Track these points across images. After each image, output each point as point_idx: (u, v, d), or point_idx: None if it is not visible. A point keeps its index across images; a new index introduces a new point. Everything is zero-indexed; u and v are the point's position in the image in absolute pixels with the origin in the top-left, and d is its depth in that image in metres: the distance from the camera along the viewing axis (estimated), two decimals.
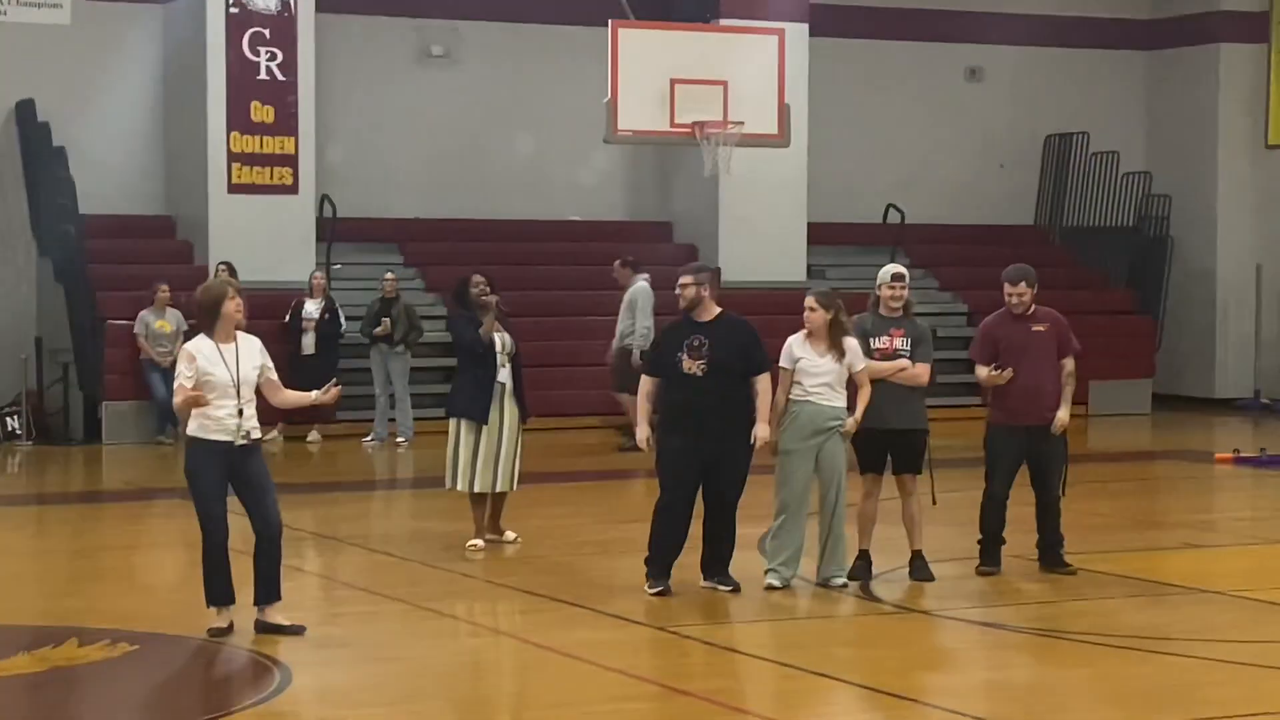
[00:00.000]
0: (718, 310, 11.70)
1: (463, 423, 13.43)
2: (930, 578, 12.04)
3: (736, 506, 11.68)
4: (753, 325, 11.84)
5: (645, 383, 11.71)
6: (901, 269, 12.30)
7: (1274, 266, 26.19)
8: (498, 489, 13.46)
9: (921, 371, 11.96)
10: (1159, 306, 26.38)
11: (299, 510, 15.97)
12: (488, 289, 13.57)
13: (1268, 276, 26.24)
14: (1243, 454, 19.48)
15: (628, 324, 20.11)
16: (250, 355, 10.41)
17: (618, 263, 20.75)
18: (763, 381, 11.61)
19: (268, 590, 10.45)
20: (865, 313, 12.13)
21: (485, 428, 13.37)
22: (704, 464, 11.50)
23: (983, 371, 12.22)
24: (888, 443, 11.99)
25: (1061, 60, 27.09)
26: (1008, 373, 12.10)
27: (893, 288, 12.05)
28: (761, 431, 11.54)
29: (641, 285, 20.28)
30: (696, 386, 11.50)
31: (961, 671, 10.20)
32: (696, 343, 11.55)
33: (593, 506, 16.32)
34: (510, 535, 13.76)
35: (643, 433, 11.64)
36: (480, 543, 13.41)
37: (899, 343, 11.98)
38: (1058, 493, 12.38)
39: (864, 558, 12.09)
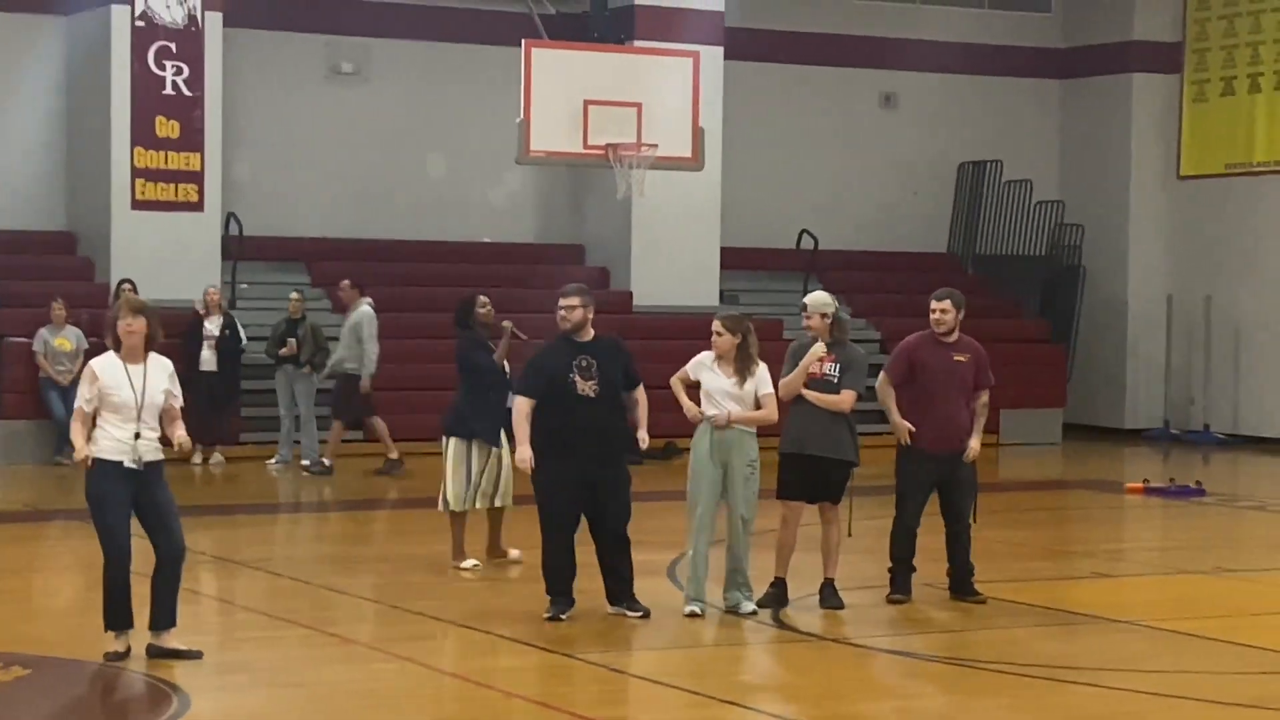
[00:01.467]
0: (593, 331, 11.61)
1: (474, 444, 13.25)
2: (840, 605, 11.92)
3: (627, 529, 11.54)
4: (623, 340, 11.91)
5: (524, 404, 11.41)
6: (814, 298, 12.10)
7: (1185, 297, 26.32)
8: (497, 504, 13.40)
9: (842, 399, 11.81)
10: (1070, 336, 26.45)
11: (199, 533, 15.64)
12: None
13: (1178, 307, 26.36)
14: (1152, 484, 19.53)
15: (349, 349, 19.91)
16: (159, 378, 10.13)
17: (345, 283, 20.64)
18: (640, 392, 11.65)
19: (165, 615, 10.20)
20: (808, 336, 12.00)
21: (493, 450, 13.24)
22: (588, 489, 11.35)
23: (902, 427, 12.06)
24: (809, 469, 11.84)
25: (976, 88, 27.16)
26: (906, 431, 11.98)
27: (807, 318, 11.93)
28: (644, 436, 11.57)
29: (366, 310, 20.23)
30: (591, 408, 11.36)
31: (873, 700, 10.08)
32: (585, 363, 11.42)
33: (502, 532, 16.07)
34: (514, 553, 13.59)
35: (526, 454, 11.37)
36: (474, 562, 13.30)
37: (828, 368, 11.84)
38: (969, 520, 12.30)
39: (779, 585, 11.94)
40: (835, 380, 11.81)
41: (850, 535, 12.02)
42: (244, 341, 20.98)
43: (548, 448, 11.36)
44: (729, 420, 11.51)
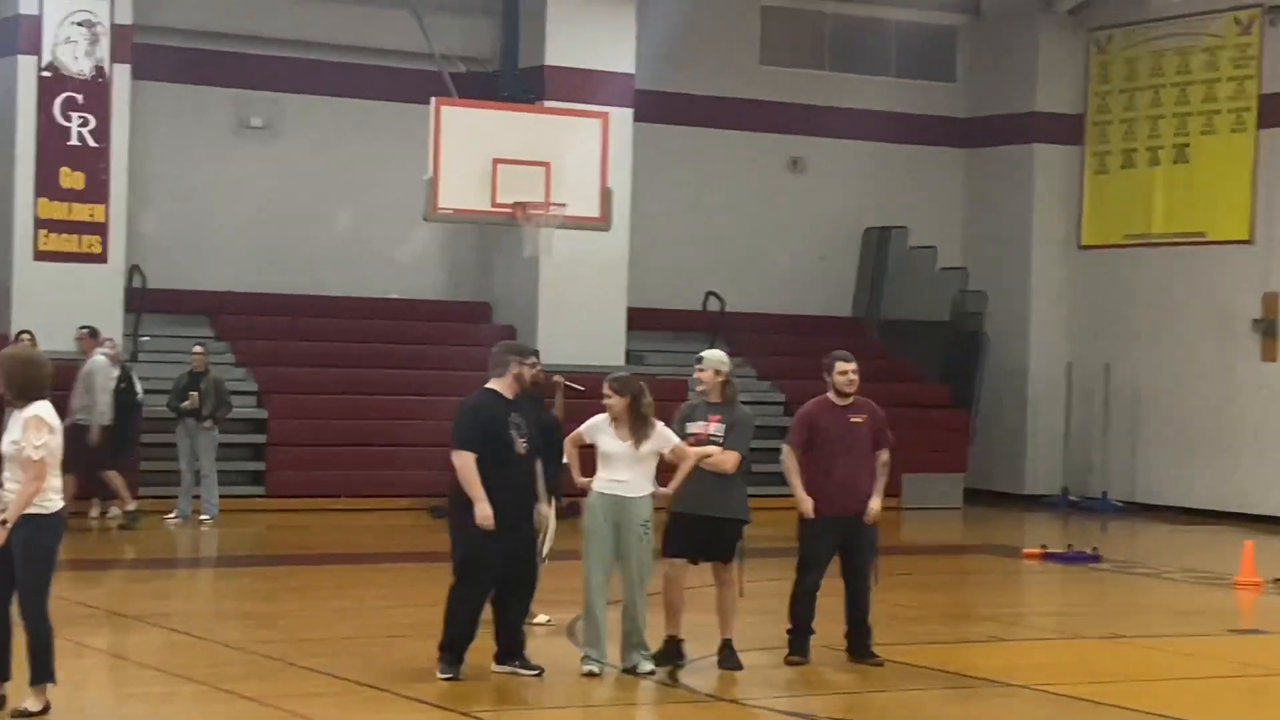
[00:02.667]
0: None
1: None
2: (738, 666, 11.92)
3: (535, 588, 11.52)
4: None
5: (471, 459, 11.27)
6: (711, 353, 12.14)
7: (1084, 365, 26.61)
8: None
9: (725, 459, 11.79)
10: (972, 401, 26.67)
11: (93, 588, 15.56)
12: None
13: (1078, 375, 26.64)
14: (1050, 550, 19.67)
15: (85, 400, 19.78)
16: (13, 429, 9.87)
17: (84, 331, 20.47)
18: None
19: (33, 669, 9.80)
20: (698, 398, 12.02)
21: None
22: (510, 549, 11.30)
23: (805, 503, 12.09)
24: (697, 529, 11.85)
25: (883, 154, 27.41)
26: (810, 506, 12.03)
27: (701, 370, 11.95)
28: (544, 508, 11.62)
29: (100, 359, 20.07)
30: (523, 468, 11.38)
31: None
32: (518, 421, 11.41)
33: (401, 588, 16.02)
34: (542, 618, 13.16)
35: (488, 510, 11.13)
36: (544, 618, 13.15)
37: (714, 428, 11.87)
38: (869, 582, 12.34)
39: (672, 644, 11.92)
40: (721, 440, 11.83)
41: (742, 595, 12.01)
42: (140, 395, 20.80)
43: (492, 507, 11.22)
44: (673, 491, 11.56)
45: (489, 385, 11.50)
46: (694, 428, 11.85)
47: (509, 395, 11.47)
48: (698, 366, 12.00)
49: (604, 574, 11.58)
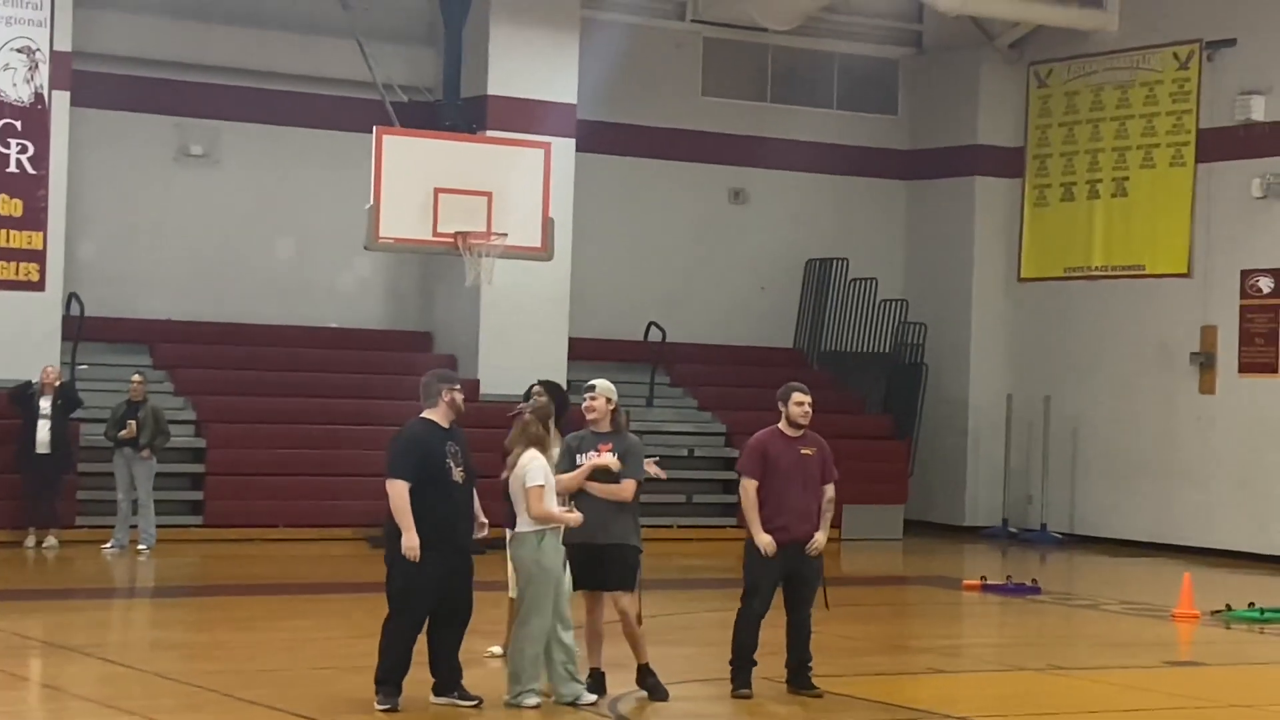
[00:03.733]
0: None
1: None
2: (664, 694, 11.88)
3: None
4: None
5: (405, 489, 11.22)
6: (602, 382, 12.06)
7: (1024, 397, 26.73)
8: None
9: (624, 488, 11.76)
10: (912, 433, 26.75)
11: (28, 618, 15.41)
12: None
13: (1018, 407, 26.76)
14: (989, 581, 19.72)
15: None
16: None
17: None
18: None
19: None
20: (582, 430, 11.97)
21: None
22: (446, 579, 11.25)
23: (763, 538, 12.04)
24: (597, 559, 11.76)
25: (824, 186, 27.52)
26: (768, 542, 12.02)
27: (592, 398, 11.93)
28: (481, 532, 11.48)
29: None
30: (460, 496, 11.32)
31: None
32: (454, 449, 11.36)
33: (340, 619, 15.92)
34: (495, 649, 13.04)
35: (416, 541, 11.08)
36: (497, 649, 12.96)
37: (605, 457, 11.83)
38: (809, 612, 12.32)
39: (594, 676, 11.87)
40: (614, 470, 11.81)
41: (641, 624, 11.94)
42: (81, 403, 20.70)
43: (428, 535, 11.13)
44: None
45: (423, 415, 11.47)
46: (584, 458, 11.80)
47: (444, 423, 11.43)
48: (589, 395, 11.94)
49: (558, 604, 11.50)
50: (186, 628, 15.90)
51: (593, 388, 11.95)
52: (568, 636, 11.53)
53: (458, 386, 11.52)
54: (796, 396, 12.25)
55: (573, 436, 11.94)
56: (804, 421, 12.24)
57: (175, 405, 22.27)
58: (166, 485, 21.33)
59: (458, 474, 11.30)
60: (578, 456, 11.80)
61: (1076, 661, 14.95)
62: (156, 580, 19.14)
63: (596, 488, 11.74)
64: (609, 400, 11.89)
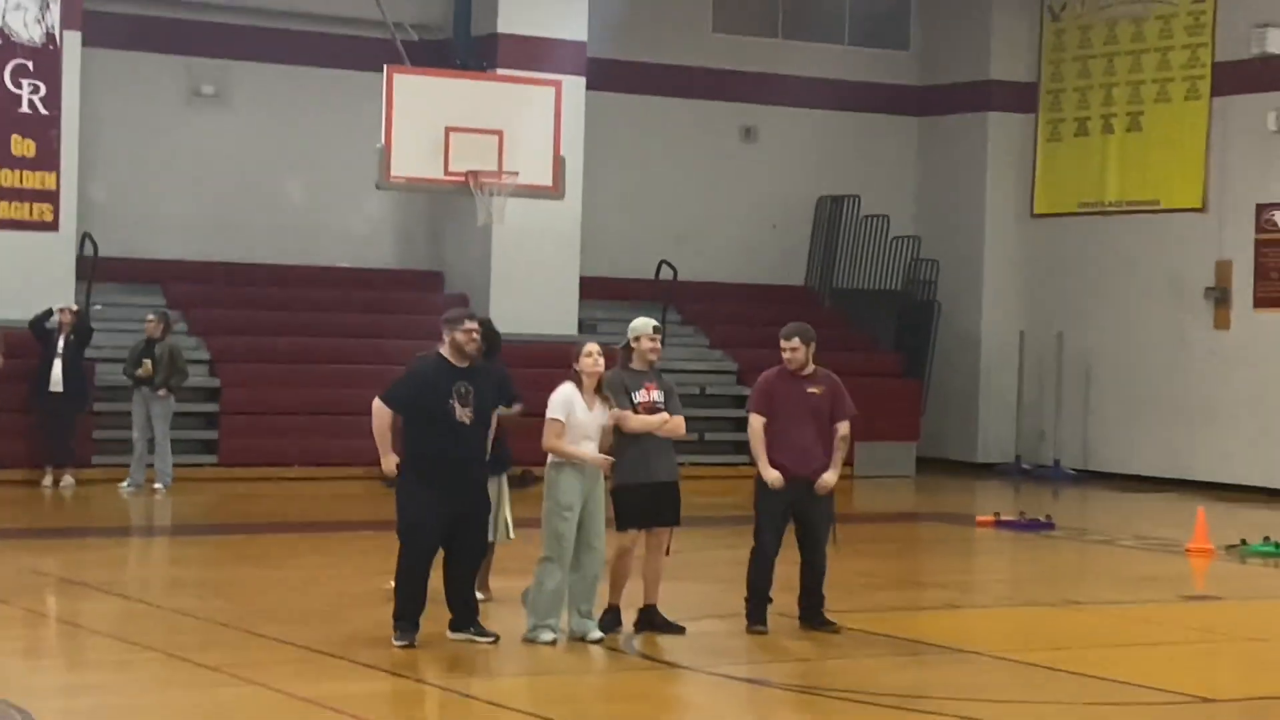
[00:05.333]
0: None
1: (504, 479, 12.90)
2: (678, 630, 11.92)
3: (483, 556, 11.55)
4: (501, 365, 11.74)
5: (387, 414, 11.29)
6: (648, 322, 12.08)
7: (1037, 334, 26.70)
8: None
9: (680, 424, 11.90)
10: (925, 370, 26.74)
11: (46, 556, 15.50)
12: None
13: (1030, 344, 26.74)
14: (1003, 517, 19.75)
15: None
16: None
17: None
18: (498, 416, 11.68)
19: None
20: (615, 367, 11.99)
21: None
22: (453, 517, 11.30)
23: (770, 473, 12.08)
24: (655, 496, 11.87)
25: (835, 123, 27.42)
26: (775, 477, 12.04)
27: (654, 339, 11.94)
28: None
29: None
30: (464, 436, 11.30)
31: None
32: (464, 389, 11.33)
33: (355, 557, 15.99)
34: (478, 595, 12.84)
35: (393, 463, 11.24)
36: (478, 595, 12.77)
37: (655, 395, 11.89)
38: (824, 550, 12.35)
39: (613, 612, 11.93)
40: (663, 406, 11.85)
41: (668, 554, 12.01)
42: (92, 331, 20.83)
43: (421, 473, 11.21)
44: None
45: (440, 350, 11.50)
46: (639, 396, 11.84)
47: (458, 361, 11.42)
48: (648, 336, 11.92)
49: (570, 543, 11.55)
50: (203, 565, 15.98)
51: (655, 328, 11.93)
52: (590, 573, 11.57)
53: (463, 326, 11.42)
54: (782, 343, 12.19)
55: (621, 375, 11.88)
56: (791, 366, 12.21)
57: (189, 345, 22.30)
58: (181, 425, 21.38)
59: (463, 414, 11.27)
60: (634, 394, 11.81)
61: (1091, 596, 15.00)
62: (173, 519, 19.22)
63: (652, 424, 11.72)
64: (651, 337, 11.94)
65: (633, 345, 11.93)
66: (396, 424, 11.34)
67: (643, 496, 11.84)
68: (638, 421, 11.75)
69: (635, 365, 11.93)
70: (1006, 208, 27.14)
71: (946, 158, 27.67)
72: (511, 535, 12.92)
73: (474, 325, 11.48)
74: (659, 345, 11.96)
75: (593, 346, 11.59)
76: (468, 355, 11.40)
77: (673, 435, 11.87)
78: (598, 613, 11.79)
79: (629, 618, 12.01)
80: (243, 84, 24.17)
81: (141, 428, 20.51)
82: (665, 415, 11.83)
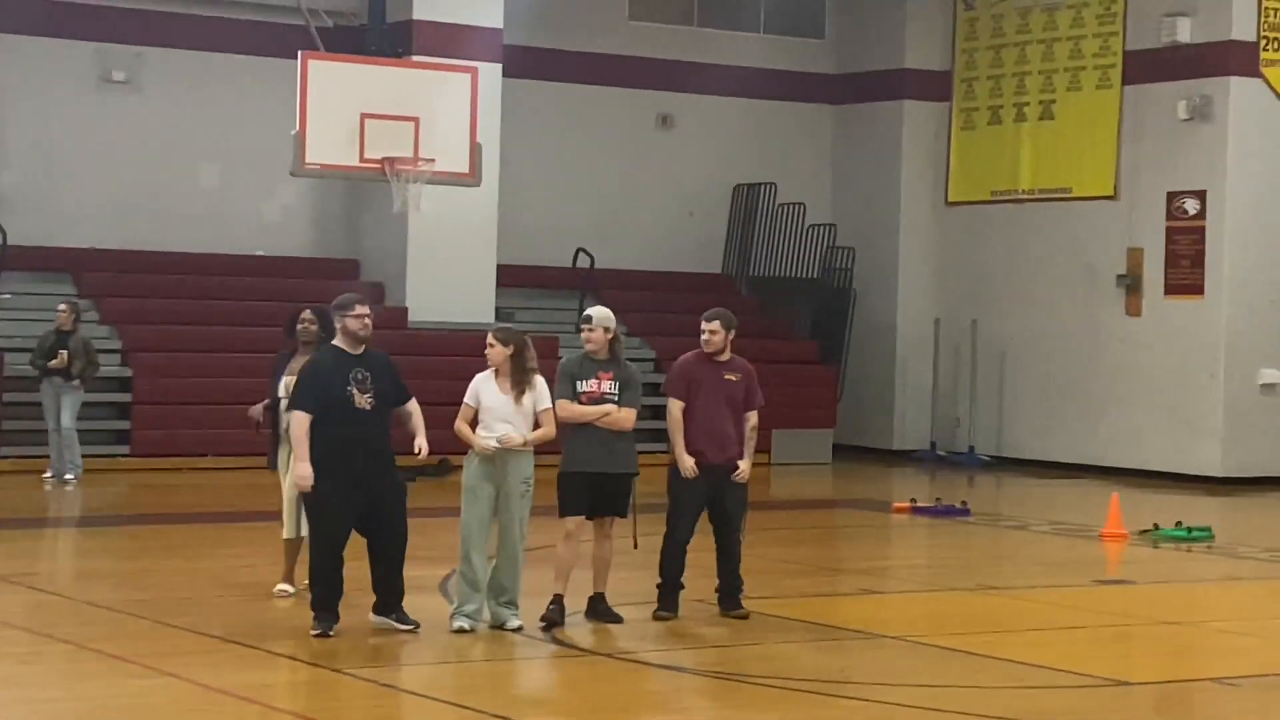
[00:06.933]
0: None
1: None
2: (617, 619, 11.93)
3: (406, 541, 11.45)
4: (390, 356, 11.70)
5: (305, 420, 11.26)
6: (599, 311, 12.10)
7: (951, 321, 26.83)
8: (289, 535, 12.62)
9: (625, 417, 11.83)
10: (841, 357, 26.83)
11: None
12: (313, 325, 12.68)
13: (945, 331, 26.87)
14: (919, 504, 19.84)
15: None
16: None
17: None
18: (413, 404, 11.55)
19: None
20: (580, 354, 11.97)
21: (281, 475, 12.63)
22: (365, 504, 11.25)
23: (686, 461, 12.08)
24: (592, 485, 11.83)
25: (751, 111, 27.46)
26: (691, 465, 12.03)
27: (590, 330, 11.90)
28: (422, 444, 11.40)
29: None
30: (366, 422, 11.24)
31: (643, 714, 10.10)
32: (360, 376, 11.29)
33: (270, 547, 15.83)
34: (286, 588, 12.84)
35: (307, 470, 11.15)
36: (288, 588, 12.72)
37: (606, 386, 11.84)
38: (739, 536, 12.36)
39: (558, 602, 11.89)
40: (616, 398, 11.83)
41: (636, 548, 12.03)
42: None
43: (325, 462, 11.18)
44: (509, 443, 11.45)
45: (333, 341, 11.46)
46: (586, 386, 11.81)
47: (351, 350, 11.37)
48: (586, 327, 11.92)
49: (483, 531, 11.53)
50: (115, 556, 15.81)
51: (589, 318, 11.91)
52: (516, 561, 11.55)
53: (354, 311, 11.37)
54: (703, 325, 12.24)
55: (571, 363, 11.89)
56: (710, 349, 12.19)
57: (101, 334, 22.09)
58: (93, 415, 21.17)
59: (363, 400, 11.22)
60: (578, 383, 11.79)
61: (1006, 581, 15.08)
62: (84, 510, 19.01)
63: (595, 415, 11.70)
64: (607, 330, 11.87)
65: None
66: None
67: (579, 485, 11.80)
68: (568, 411, 11.71)
69: (600, 355, 11.90)
70: (921, 196, 27.27)
71: (862, 146, 27.75)
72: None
73: (365, 310, 11.44)
74: (591, 335, 11.86)
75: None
76: (361, 340, 11.36)
77: (613, 427, 11.80)
78: (543, 601, 11.75)
79: (580, 606, 11.97)
80: (155, 70, 23.93)
81: (54, 418, 20.26)
82: (607, 408, 11.79)
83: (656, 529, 12.65)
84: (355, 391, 11.23)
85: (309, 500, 11.31)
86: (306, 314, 12.68)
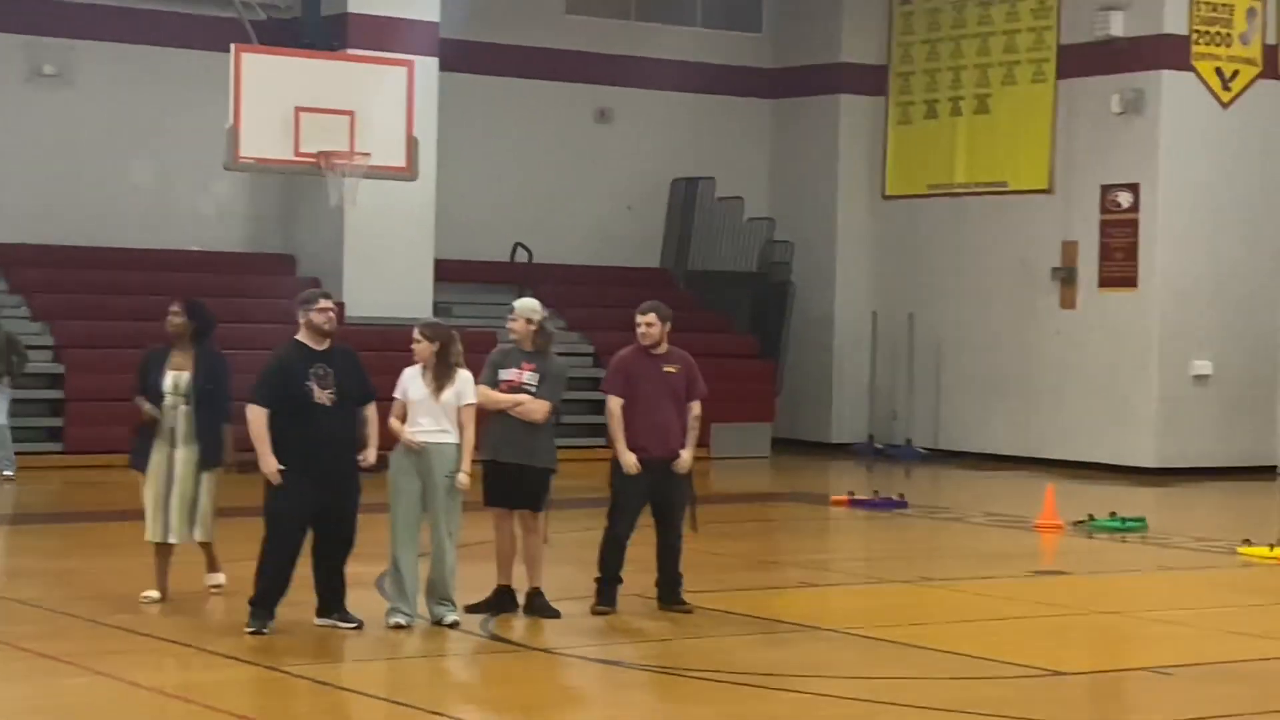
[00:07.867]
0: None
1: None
2: (555, 614, 11.90)
3: (353, 545, 11.37)
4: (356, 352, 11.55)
5: (261, 414, 11.22)
6: (523, 302, 12.09)
7: (888, 315, 26.90)
8: (170, 539, 12.39)
9: (536, 408, 11.79)
10: (780, 352, 26.86)
11: None
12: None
13: (882, 324, 26.93)
14: (857, 497, 19.88)
15: None
16: None
17: None
18: (371, 409, 11.43)
19: None
20: (511, 345, 11.93)
21: (150, 475, 12.42)
22: (320, 503, 11.16)
23: (627, 457, 12.01)
24: (505, 477, 11.81)
25: (689, 105, 27.46)
26: (632, 461, 11.96)
27: (512, 320, 11.89)
28: (370, 456, 11.31)
29: None
30: (326, 418, 11.14)
31: (581, 709, 10.09)
32: (321, 371, 11.19)
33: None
34: (218, 578, 12.68)
35: (273, 465, 11.05)
36: (154, 594, 12.49)
37: (526, 376, 11.81)
38: (679, 531, 12.35)
39: (501, 593, 11.86)
40: (534, 389, 11.79)
41: (547, 542, 11.99)
42: None
43: (282, 459, 11.06)
44: (461, 486, 11.42)
45: (295, 337, 11.36)
46: (506, 374, 11.82)
47: (314, 345, 11.29)
48: (509, 317, 11.95)
49: (412, 525, 11.48)
50: (47, 555, 15.66)
51: (513, 309, 11.90)
52: (444, 556, 11.49)
53: (317, 305, 11.31)
54: (638, 318, 12.23)
55: (498, 352, 11.89)
56: (646, 341, 12.18)
57: (33, 330, 21.90)
58: (25, 412, 20.97)
59: (323, 396, 11.14)
60: (500, 372, 11.78)
61: (944, 573, 15.14)
62: (15, 508, 18.81)
63: (501, 402, 11.66)
64: (529, 320, 11.88)
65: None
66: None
67: (495, 475, 11.82)
68: (483, 396, 11.71)
69: (524, 345, 11.85)
70: (858, 190, 27.32)
71: (799, 140, 27.79)
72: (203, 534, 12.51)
73: (329, 304, 11.39)
74: (514, 325, 11.91)
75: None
76: (326, 334, 11.28)
77: (523, 417, 11.78)
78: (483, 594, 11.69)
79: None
80: (86, 64, 23.73)
81: None
82: (521, 397, 11.76)
83: (584, 523, 12.64)
84: (315, 387, 11.13)
85: (269, 494, 11.16)
86: (174, 306, 12.42)
